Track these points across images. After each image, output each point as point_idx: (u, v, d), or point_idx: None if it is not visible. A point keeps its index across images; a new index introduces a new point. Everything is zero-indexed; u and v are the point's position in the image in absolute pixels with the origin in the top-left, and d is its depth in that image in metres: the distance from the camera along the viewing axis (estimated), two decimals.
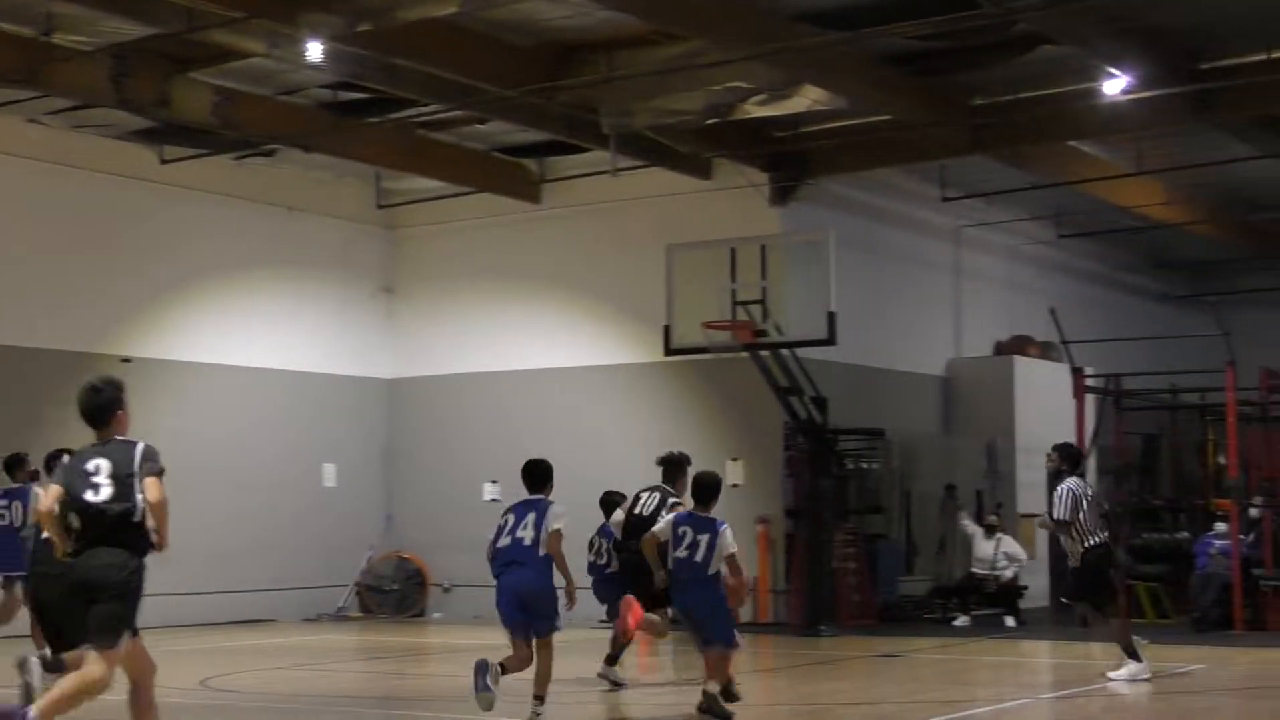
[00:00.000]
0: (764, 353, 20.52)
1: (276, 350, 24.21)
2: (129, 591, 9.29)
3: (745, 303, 20.20)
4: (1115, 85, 18.34)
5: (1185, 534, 22.86)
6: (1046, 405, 24.34)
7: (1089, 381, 22.40)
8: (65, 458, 11.39)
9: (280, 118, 20.61)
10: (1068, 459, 15.71)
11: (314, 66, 18.02)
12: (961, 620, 21.50)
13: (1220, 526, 21.13)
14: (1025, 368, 25.55)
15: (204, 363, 23.25)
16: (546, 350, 24.44)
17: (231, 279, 23.68)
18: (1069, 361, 22.46)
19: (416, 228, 25.61)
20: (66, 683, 9.37)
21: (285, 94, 20.33)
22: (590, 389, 23.98)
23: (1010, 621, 21.10)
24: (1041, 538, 24.63)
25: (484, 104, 19.52)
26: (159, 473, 9.49)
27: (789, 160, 22.09)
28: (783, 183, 22.27)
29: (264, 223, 23.91)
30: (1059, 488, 15.35)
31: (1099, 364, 24.03)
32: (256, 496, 23.43)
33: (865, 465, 23.87)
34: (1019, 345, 26.25)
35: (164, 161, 22.28)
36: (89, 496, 9.31)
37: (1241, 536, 20.30)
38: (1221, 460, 23.17)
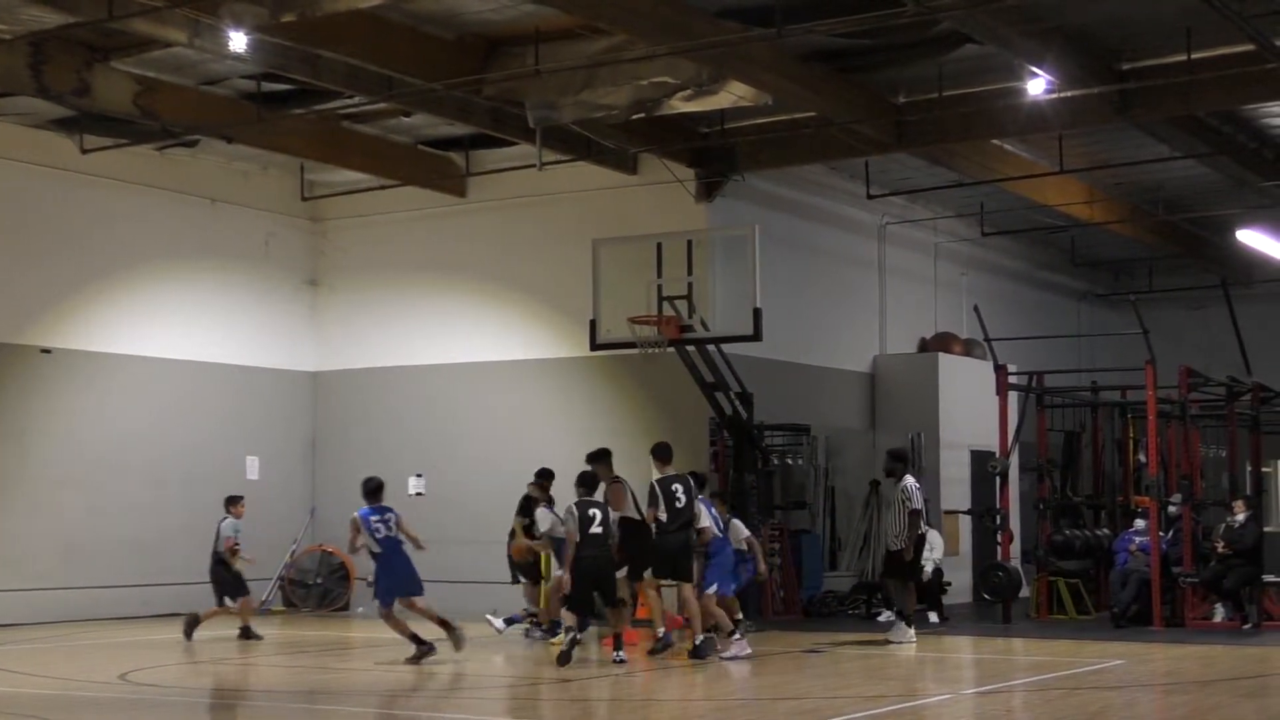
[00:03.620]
0: (690, 348, 20.51)
1: (199, 342, 24.03)
2: None
3: (671, 298, 20.17)
4: (1037, 85, 18.47)
5: (1105, 531, 23.08)
6: (970, 402, 24.52)
7: (1011, 378, 22.55)
8: None
9: (202, 108, 20.42)
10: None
11: (236, 57, 17.81)
12: (885, 616, 21.60)
13: (1140, 523, 21.35)
14: (949, 364, 25.70)
15: (126, 354, 23.04)
16: (473, 344, 24.37)
17: (154, 270, 23.48)
18: (992, 358, 22.61)
19: (341, 220, 25.46)
20: None
21: (208, 84, 20.16)
22: (517, 383, 23.93)
23: (933, 618, 21.22)
24: (966, 535, 24.89)
25: (408, 96, 19.41)
26: None
27: (715, 156, 22.13)
28: (708, 178, 22.31)
29: (187, 214, 23.72)
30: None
31: (1021, 361, 24.22)
32: (178, 489, 23.26)
33: (790, 460, 23.96)
34: (943, 342, 26.41)
35: (84, 151, 22.04)
36: None
37: (1161, 534, 20.51)
38: (1142, 458, 23.41)
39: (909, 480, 18.78)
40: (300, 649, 19.27)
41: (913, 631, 18.43)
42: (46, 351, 22.11)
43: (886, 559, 19.22)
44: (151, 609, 22.08)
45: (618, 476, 17.24)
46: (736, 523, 18.23)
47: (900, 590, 18.83)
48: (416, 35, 18.04)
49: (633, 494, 17.02)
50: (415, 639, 16.29)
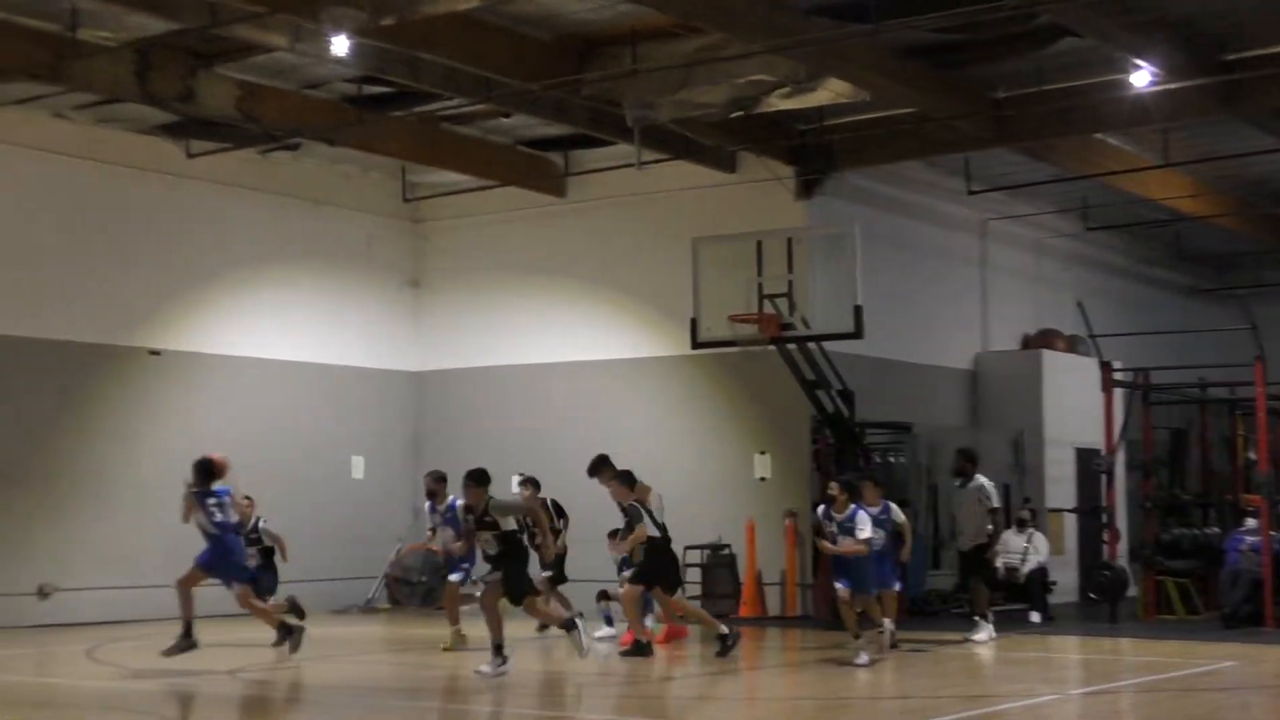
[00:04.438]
0: (790, 346, 20.46)
1: (304, 343, 24.32)
2: None
3: (771, 296, 20.14)
4: (1140, 77, 18.22)
5: (1215, 529, 22.70)
6: (1074, 399, 24.24)
7: (1116, 375, 22.24)
8: None
9: (304, 111, 20.63)
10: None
11: (337, 60, 18.01)
12: (1035, 616, 21.37)
13: (1251, 522, 20.97)
14: (1053, 362, 25.43)
15: (232, 355, 23.37)
16: (574, 343, 24.45)
17: (259, 272, 23.80)
18: (1097, 355, 22.33)
19: (442, 221, 25.64)
20: None
21: (309, 88, 20.36)
22: (617, 382, 23.98)
23: (1036, 617, 20.98)
24: (1071, 534, 24.58)
25: (506, 98, 19.50)
26: None
27: (813, 153, 22.04)
28: (807, 175, 22.21)
29: (290, 216, 24.00)
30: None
31: (1126, 358, 23.88)
32: (285, 489, 23.43)
33: (892, 459, 23.80)
34: (1046, 339, 26.13)
35: (190, 155, 22.35)
36: None
37: (1272, 533, 20.15)
38: (1251, 455, 23.00)
39: (984, 480, 18.69)
40: (405, 647, 19.40)
41: (991, 629, 18.37)
42: (155, 353, 22.47)
43: (961, 559, 19.18)
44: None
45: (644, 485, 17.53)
46: (895, 506, 17.83)
47: (977, 589, 18.76)
48: (514, 36, 18.12)
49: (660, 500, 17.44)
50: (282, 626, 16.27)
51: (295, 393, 24.08)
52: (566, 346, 24.49)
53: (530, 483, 19.47)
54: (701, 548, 22.40)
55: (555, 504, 19.10)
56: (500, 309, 25.11)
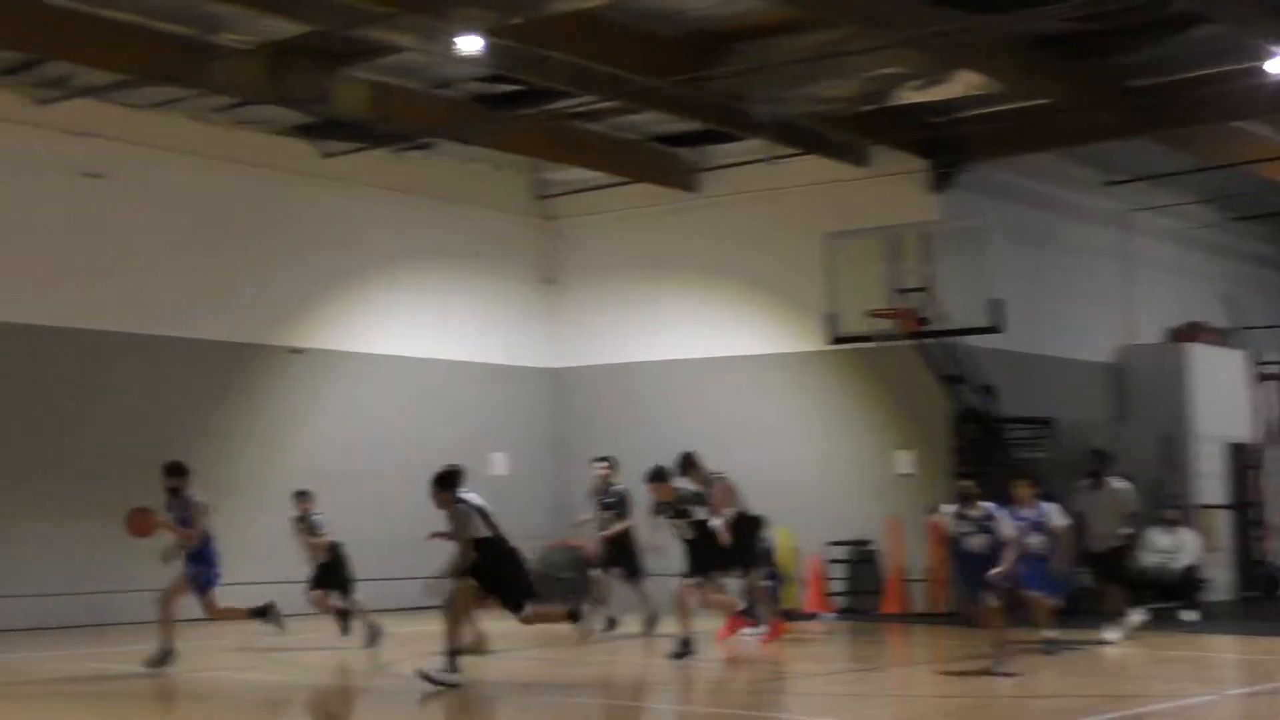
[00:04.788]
0: (928, 341, 20.24)
1: (441, 341, 24.54)
2: None
3: (907, 290, 19.96)
4: (1278, 64, 17.71)
5: None
6: (1222, 393, 23.69)
7: (1267, 368, 21.69)
8: None
9: (436, 111, 20.80)
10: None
11: (467, 60, 18.10)
12: (1138, 615, 20.94)
13: None
14: (1199, 354, 24.84)
15: (371, 353, 23.64)
16: (708, 339, 24.38)
17: (395, 270, 24.04)
18: (1245, 348, 21.80)
19: (574, 218, 25.70)
20: None
21: (440, 87, 20.49)
22: (751, 377, 23.88)
23: (1188, 616, 20.52)
24: (1225, 530, 23.98)
25: (635, 94, 19.48)
26: None
27: (946, 146, 21.74)
28: (940, 169, 21.93)
29: (425, 215, 24.21)
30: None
31: (1277, 349, 23.32)
32: (424, 486, 23.61)
33: (1034, 454, 23.40)
34: (1192, 332, 25.55)
35: (325, 156, 22.63)
36: None
37: None
38: None
39: (1121, 481, 18.25)
40: (553, 642, 19.41)
41: (1137, 620, 17.98)
42: (296, 351, 22.77)
43: (1095, 561, 18.41)
44: (401, 603, 22.43)
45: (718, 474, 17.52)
46: (1052, 508, 17.00)
47: (1110, 590, 18.31)
48: (641, 33, 18.08)
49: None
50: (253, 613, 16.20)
51: (433, 390, 24.28)
52: (702, 342, 24.42)
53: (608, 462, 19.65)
54: (843, 544, 22.24)
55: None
56: (634, 305, 25.13)
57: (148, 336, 21.23)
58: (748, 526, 17.55)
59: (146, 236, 21.30)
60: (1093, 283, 24.90)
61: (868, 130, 21.22)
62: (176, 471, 15.50)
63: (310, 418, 22.79)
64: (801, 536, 22.09)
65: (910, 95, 18.87)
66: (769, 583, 18.71)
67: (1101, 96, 19.66)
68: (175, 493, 15.35)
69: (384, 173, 23.54)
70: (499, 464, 24.75)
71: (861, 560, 22.27)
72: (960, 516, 15.10)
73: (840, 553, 22.31)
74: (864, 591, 22.04)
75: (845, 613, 21.76)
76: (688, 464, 17.86)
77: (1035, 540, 16.10)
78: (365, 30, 17.16)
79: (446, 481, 14.50)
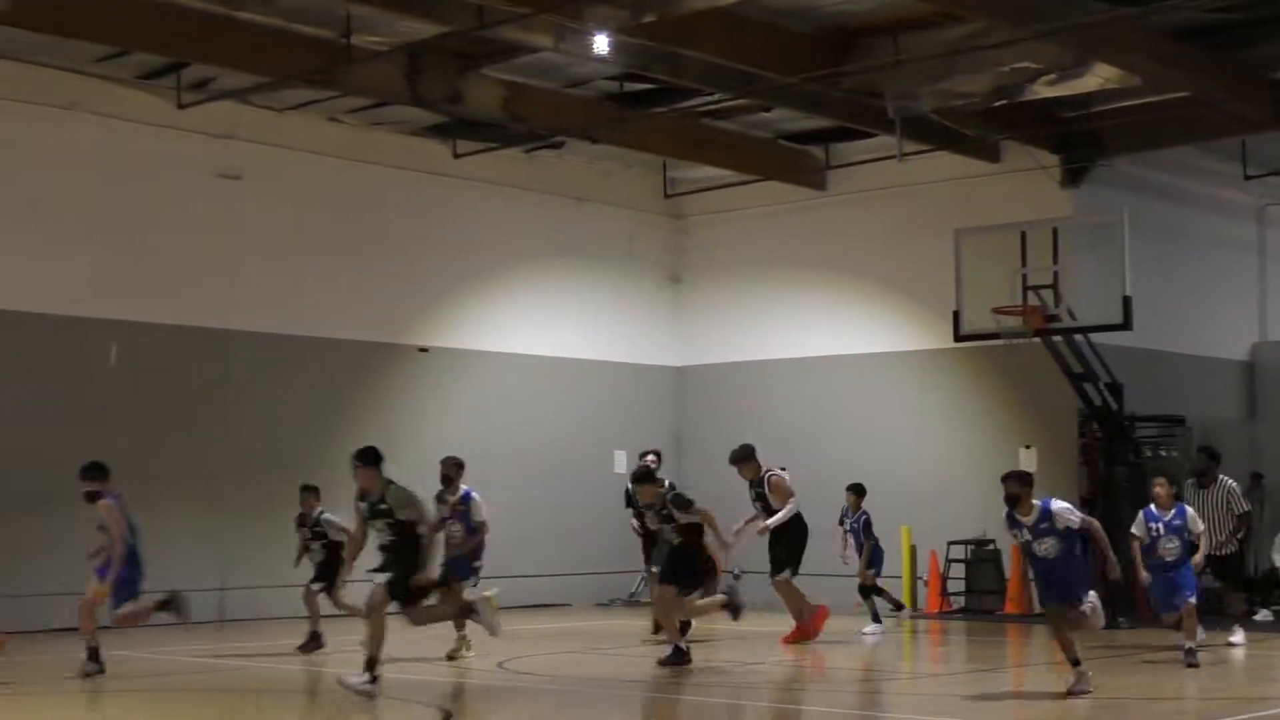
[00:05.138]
0: (1056, 338, 20.08)
1: (567, 339, 24.69)
2: None
3: (1036, 287, 19.80)
4: None
5: None
6: None
7: None
8: None
9: (567, 110, 20.94)
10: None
11: (599, 59, 18.22)
12: (1263, 614, 20.66)
13: None
14: None
15: (497, 351, 23.82)
16: (834, 337, 24.36)
17: (523, 269, 24.23)
18: None
19: (702, 216, 25.76)
20: None
21: (572, 86, 20.64)
22: (878, 375, 23.83)
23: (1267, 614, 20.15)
24: None
25: (766, 92, 19.51)
26: None
27: (1079, 140, 21.55)
28: (1073, 164, 21.75)
29: (553, 213, 24.37)
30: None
31: None
32: (550, 483, 23.89)
33: (1163, 453, 23.13)
34: None
35: (457, 156, 22.87)
36: None
37: None
38: None
39: (1231, 481, 17.74)
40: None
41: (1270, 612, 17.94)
42: (424, 350, 23.02)
43: (1215, 564, 17.27)
44: (521, 600, 22.65)
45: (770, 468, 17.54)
46: (1191, 512, 15.97)
47: (1232, 593, 18.03)
48: (773, 30, 18.10)
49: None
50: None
51: (558, 387, 24.45)
52: (827, 340, 24.39)
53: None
54: (965, 543, 22.14)
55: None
56: (761, 304, 25.13)
57: (283, 336, 21.54)
58: (798, 528, 17.52)
59: (283, 237, 21.61)
60: (1227, 278, 24.57)
61: (1000, 125, 21.08)
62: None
63: (436, 415, 23.00)
64: (922, 535, 22.06)
65: (1045, 90, 18.70)
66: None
67: (1243, 89, 19.39)
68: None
69: (515, 172, 23.74)
70: (620, 462, 24.83)
71: (983, 560, 22.13)
72: (1012, 523, 13.50)
73: (960, 551, 22.19)
74: (985, 591, 21.89)
75: (965, 612, 21.74)
76: (745, 457, 17.85)
77: (1173, 544, 15.43)
78: (499, 31, 17.33)
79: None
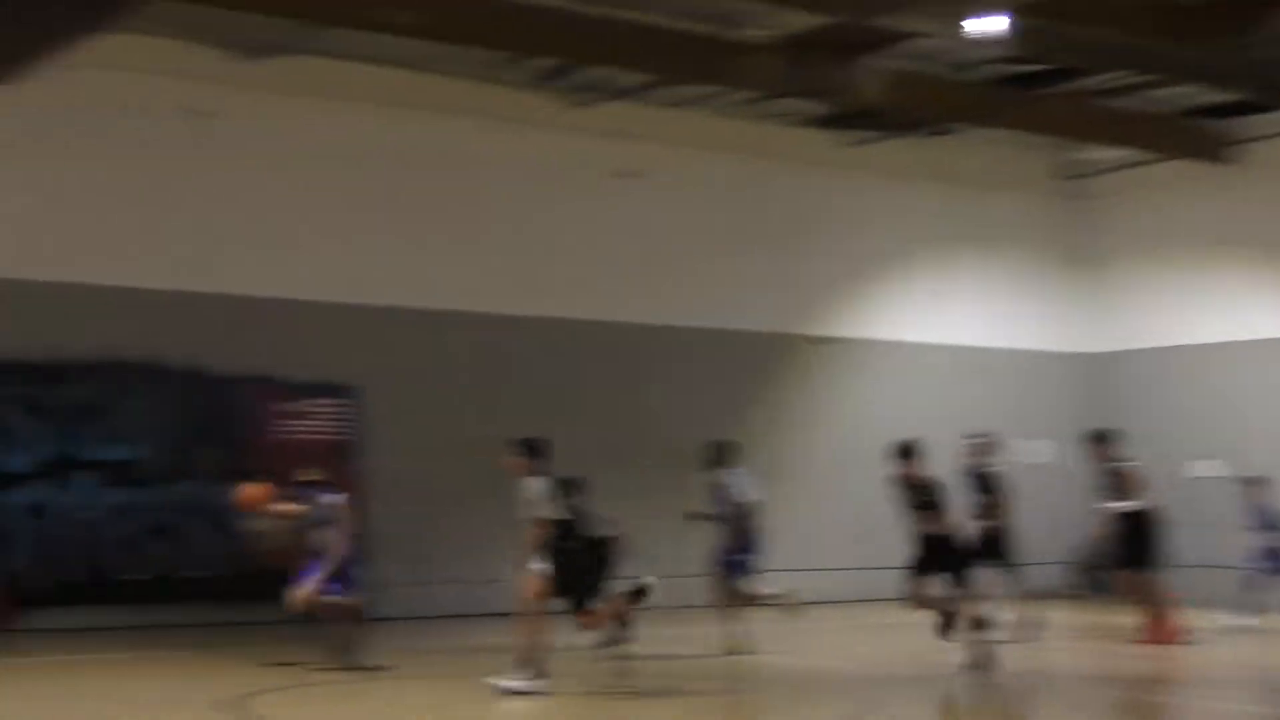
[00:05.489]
0: None
1: (965, 326, 24.43)
2: None
3: None
4: None
5: None
6: None
7: None
8: None
9: (955, 96, 20.58)
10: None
11: (987, 42, 17.79)
12: None
13: None
14: None
15: (893, 340, 23.77)
16: (1258, 319, 23.23)
17: (918, 257, 24.07)
18: None
19: (1104, 198, 24.93)
20: None
21: (960, 71, 20.23)
22: None
23: None
24: None
25: (1163, 67, 18.68)
26: None
27: None
28: None
29: (947, 200, 24.06)
30: None
31: None
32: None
33: None
34: None
35: (847, 145, 22.74)
36: None
37: None
38: None
39: None
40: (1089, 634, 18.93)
41: None
42: (819, 341, 23.01)
43: None
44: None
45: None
46: None
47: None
48: (1167, 3, 17.28)
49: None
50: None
51: (961, 375, 24.04)
52: (1250, 323, 23.28)
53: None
54: None
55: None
56: (1173, 286, 24.23)
57: (684, 329, 21.93)
58: (1145, 522, 16.59)
59: (680, 233, 22.02)
60: None
61: None
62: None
63: (834, 405, 22.93)
64: None
65: None
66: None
67: None
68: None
69: (904, 160, 23.47)
70: (1043, 452, 24.09)
71: None
72: None
73: None
74: None
75: None
76: (1101, 440, 17.21)
77: None
78: (884, 18, 17.12)
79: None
